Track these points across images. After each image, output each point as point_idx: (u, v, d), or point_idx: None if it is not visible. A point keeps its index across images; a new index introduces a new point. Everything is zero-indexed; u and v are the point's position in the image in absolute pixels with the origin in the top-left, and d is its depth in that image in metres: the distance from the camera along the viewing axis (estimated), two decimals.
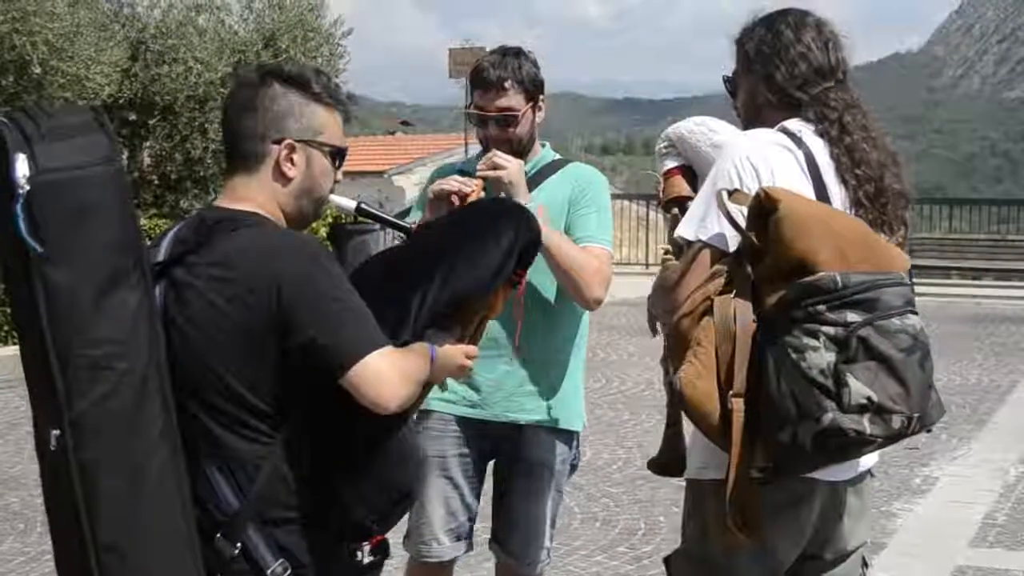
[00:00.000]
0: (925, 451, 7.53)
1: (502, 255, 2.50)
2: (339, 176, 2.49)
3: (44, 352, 2.08)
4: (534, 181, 3.54)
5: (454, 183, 3.25)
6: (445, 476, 3.59)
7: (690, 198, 3.12)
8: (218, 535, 2.26)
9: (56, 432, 2.09)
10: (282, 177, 2.35)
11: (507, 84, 3.46)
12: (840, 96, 2.71)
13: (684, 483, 2.79)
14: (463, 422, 3.58)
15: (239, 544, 2.26)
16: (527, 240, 2.59)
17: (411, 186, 24.21)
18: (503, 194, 3.33)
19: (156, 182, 18.25)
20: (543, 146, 3.67)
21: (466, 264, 2.45)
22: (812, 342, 2.31)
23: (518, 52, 3.56)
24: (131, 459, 2.12)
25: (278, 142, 2.34)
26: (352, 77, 19.42)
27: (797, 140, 2.65)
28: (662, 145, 3.21)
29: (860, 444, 2.34)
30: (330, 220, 12.34)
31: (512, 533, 3.65)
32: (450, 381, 3.33)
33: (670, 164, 3.17)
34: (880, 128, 2.75)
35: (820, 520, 2.67)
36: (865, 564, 2.86)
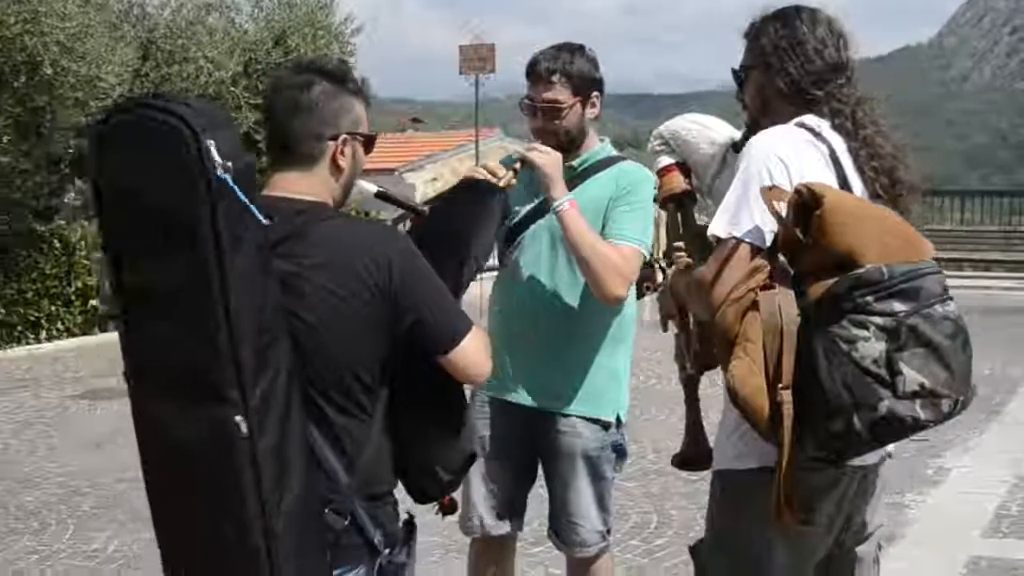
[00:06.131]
0: (937, 442, 7.52)
1: (495, 229, 2.91)
2: None
3: (214, 338, 2.11)
4: (583, 175, 3.64)
5: (484, 171, 3.33)
6: (482, 455, 3.70)
7: (687, 192, 3.16)
8: (327, 510, 2.35)
9: (239, 418, 2.12)
10: (337, 170, 2.49)
11: (555, 78, 3.57)
12: (850, 92, 2.78)
13: (694, 477, 2.81)
14: (496, 404, 3.69)
15: (349, 517, 2.38)
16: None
17: (422, 183, 24.20)
18: (541, 185, 3.50)
19: None
20: (602, 142, 3.73)
21: (482, 239, 2.77)
22: (862, 332, 2.35)
23: (574, 48, 3.64)
24: (287, 445, 2.19)
25: (334, 138, 2.47)
26: (360, 74, 19.38)
27: (818, 135, 2.70)
28: (656, 143, 3.25)
29: (914, 429, 2.39)
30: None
31: (559, 519, 3.75)
32: None
33: (665, 161, 3.21)
34: (888, 122, 2.81)
35: (850, 504, 2.73)
36: (879, 546, 2.91)
